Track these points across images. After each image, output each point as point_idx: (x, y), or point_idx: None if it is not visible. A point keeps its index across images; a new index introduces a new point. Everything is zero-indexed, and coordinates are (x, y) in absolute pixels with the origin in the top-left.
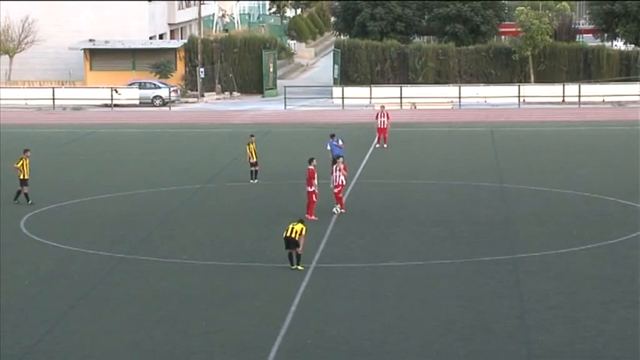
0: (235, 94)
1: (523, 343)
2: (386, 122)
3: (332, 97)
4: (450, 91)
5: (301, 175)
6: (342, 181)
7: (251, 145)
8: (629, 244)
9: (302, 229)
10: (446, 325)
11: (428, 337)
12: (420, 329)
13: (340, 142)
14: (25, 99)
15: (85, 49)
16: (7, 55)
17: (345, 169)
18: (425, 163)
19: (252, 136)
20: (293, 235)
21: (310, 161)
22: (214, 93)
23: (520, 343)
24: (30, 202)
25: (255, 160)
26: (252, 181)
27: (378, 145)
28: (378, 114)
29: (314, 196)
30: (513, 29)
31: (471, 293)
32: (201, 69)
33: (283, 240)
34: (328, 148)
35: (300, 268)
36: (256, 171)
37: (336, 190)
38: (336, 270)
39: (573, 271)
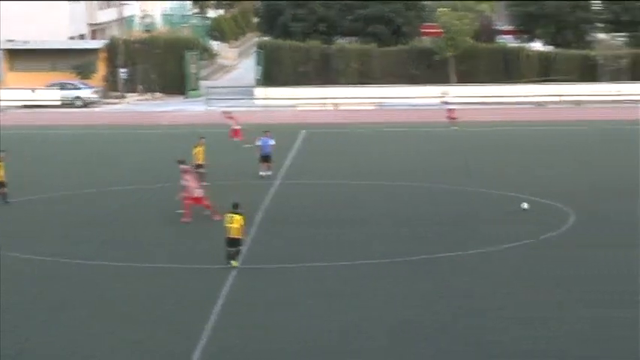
0: (157, 94)
1: (476, 344)
2: (235, 124)
3: (255, 98)
4: (373, 91)
5: (225, 176)
6: (194, 193)
7: (199, 148)
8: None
9: (239, 220)
10: (401, 325)
11: (381, 340)
12: (382, 330)
13: (272, 142)
14: None
15: (4, 50)
16: None
17: (187, 172)
18: (346, 163)
19: (202, 138)
20: (235, 235)
21: (180, 163)
22: (136, 94)
23: (473, 344)
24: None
25: (202, 162)
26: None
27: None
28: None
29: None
30: (435, 30)
31: (419, 293)
32: (123, 70)
33: (225, 240)
34: (259, 144)
35: (234, 264)
36: (202, 173)
37: (189, 202)
38: (264, 271)
39: (522, 270)
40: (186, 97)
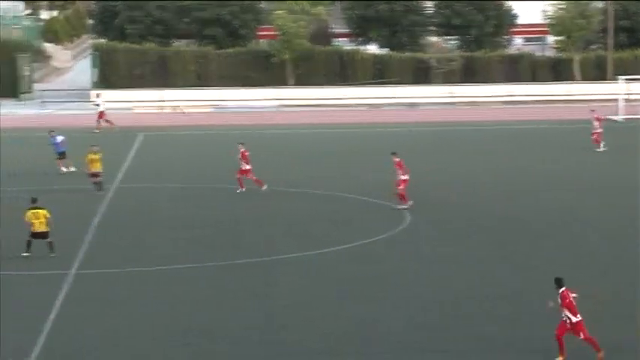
0: None
1: (270, 344)
2: None
3: (91, 101)
4: (210, 94)
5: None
6: None
7: (91, 155)
8: (377, 245)
9: (45, 215)
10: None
11: (160, 342)
12: (161, 333)
13: (60, 139)
14: None
15: None
16: None
17: None
18: (178, 167)
19: (93, 145)
20: (42, 230)
21: None
22: None
23: (268, 345)
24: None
25: (96, 170)
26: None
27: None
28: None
29: None
30: (272, 33)
31: (218, 297)
32: None
33: (31, 235)
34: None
35: (52, 255)
36: (99, 182)
37: None
38: (96, 276)
39: (323, 271)
40: (20, 100)
